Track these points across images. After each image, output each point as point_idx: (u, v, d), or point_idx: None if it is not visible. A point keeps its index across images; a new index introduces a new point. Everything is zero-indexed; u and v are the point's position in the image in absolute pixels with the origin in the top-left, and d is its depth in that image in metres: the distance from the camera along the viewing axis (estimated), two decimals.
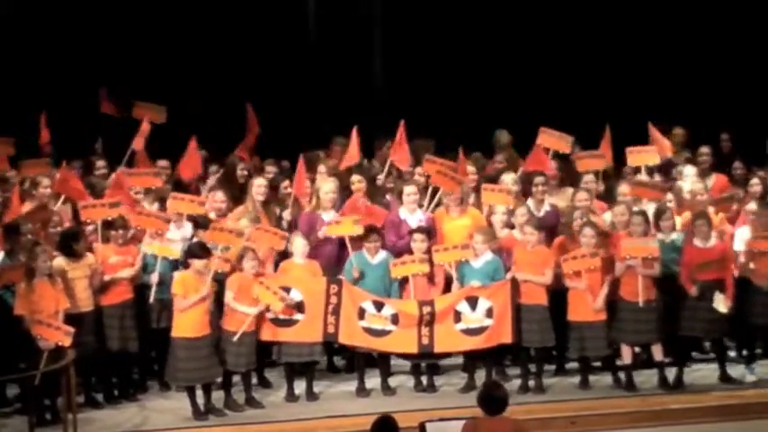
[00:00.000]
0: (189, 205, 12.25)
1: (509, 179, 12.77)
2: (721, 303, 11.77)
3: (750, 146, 14.63)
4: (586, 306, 11.80)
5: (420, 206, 12.56)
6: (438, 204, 12.69)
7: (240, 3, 15.88)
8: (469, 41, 16.31)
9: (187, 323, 11.34)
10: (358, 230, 11.98)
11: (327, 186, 12.49)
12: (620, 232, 12.11)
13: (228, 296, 11.52)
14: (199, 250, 11.53)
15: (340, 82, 15.99)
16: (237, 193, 12.99)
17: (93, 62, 15.30)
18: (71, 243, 11.58)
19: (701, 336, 12.18)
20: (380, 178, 13.38)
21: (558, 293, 11.97)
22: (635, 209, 12.29)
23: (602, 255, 11.81)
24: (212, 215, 12.38)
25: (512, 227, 12.30)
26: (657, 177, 13.32)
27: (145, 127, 13.78)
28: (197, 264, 11.42)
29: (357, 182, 12.74)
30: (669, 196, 12.72)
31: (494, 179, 13.00)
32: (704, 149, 14.05)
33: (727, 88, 16.18)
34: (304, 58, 16.06)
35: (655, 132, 13.79)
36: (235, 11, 15.88)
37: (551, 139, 13.29)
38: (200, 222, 12.14)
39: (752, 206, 12.58)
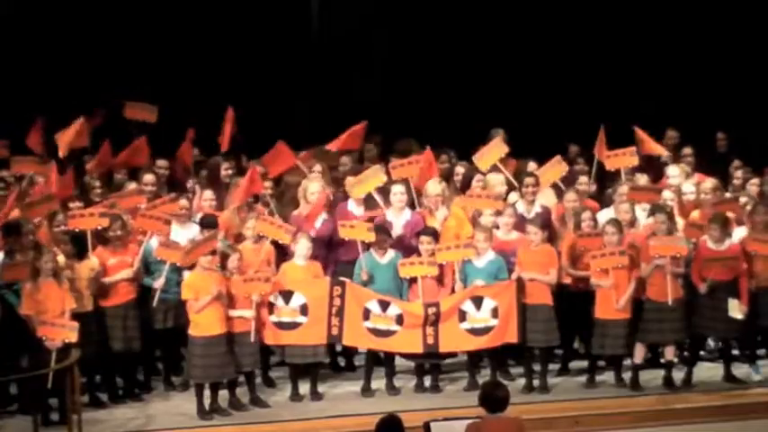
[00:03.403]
0: (171, 206, 12.20)
1: (496, 180, 12.81)
2: (736, 309, 11.78)
3: (746, 146, 14.66)
4: (611, 304, 11.79)
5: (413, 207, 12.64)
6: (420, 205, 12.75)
7: (239, 4, 15.90)
8: (466, 42, 16.34)
9: (204, 322, 11.33)
10: (370, 237, 11.95)
11: (314, 187, 12.46)
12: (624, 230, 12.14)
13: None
14: None
15: (340, 82, 16.01)
16: (224, 194, 12.97)
17: (92, 62, 15.27)
18: (79, 246, 11.57)
19: (708, 335, 12.20)
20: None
21: (562, 293, 11.99)
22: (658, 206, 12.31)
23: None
24: (199, 215, 12.42)
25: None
26: (645, 178, 13.33)
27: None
28: (203, 261, 11.40)
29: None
30: (669, 195, 12.75)
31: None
32: (687, 150, 14.13)
33: (724, 88, 16.21)
34: (305, 59, 16.06)
35: (641, 134, 13.79)
36: (234, 11, 15.89)
37: (489, 156, 13.27)
38: (205, 222, 12.10)
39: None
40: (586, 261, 11.93)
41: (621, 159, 13.24)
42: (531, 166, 13.26)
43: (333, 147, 13.71)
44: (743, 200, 12.76)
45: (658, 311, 11.80)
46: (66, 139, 13.40)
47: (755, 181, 13.31)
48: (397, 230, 12.30)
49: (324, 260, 12.26)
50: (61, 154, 13.32)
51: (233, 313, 11.47)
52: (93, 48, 15.26)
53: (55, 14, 15.26)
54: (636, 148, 13.46)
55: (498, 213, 12.30)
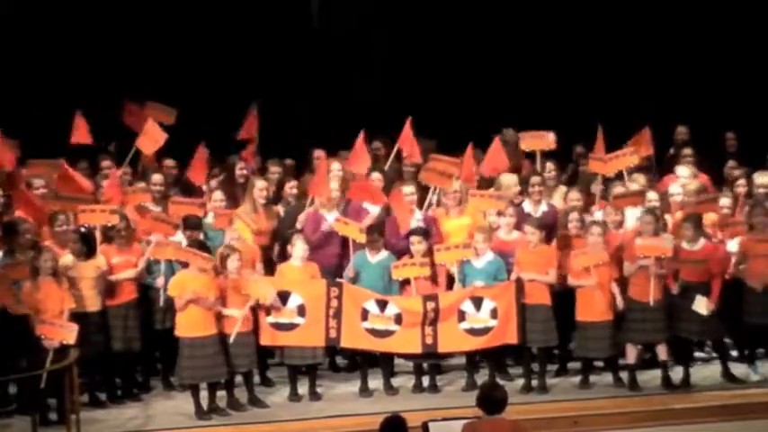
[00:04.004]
0: (189, 208, 12.27)
1: (510, 180, 12.79)
2: (702, 305, 11.77)
3: (752, 146, 14.67)
4: (594, 305, 11.78)
5: (429, 205, 12.64)
6: (438, 204, 12.74)
7: (240, 4, 15.90)
8: (466, 42, 16.34)
9: (188, 322, 11.34)
10: (361, 238, 11.96)
11: (332, 185, 12.47)
12: (611, 231, 12.15)
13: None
14: (197, 248, 11.50)
15: (340, 82, 16.01)
16: (239, 193, 12.99)
17: (92, 62, 15.29)
18: (87, 245, 11.59)
19: (683, 336, 12.11)
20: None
21: (561, 293, 11.97)
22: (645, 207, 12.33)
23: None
24: (210, 216, 12.40)
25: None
26: (642, 178, 13.31)
27: (150, 129, 13.64)
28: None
29: (377, 180, 12.71)
30: (654, 195, 12.73)
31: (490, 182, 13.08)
32: (687, 150, 14.12)
33: (725, 87, 16.21)
34: (306, 57, 16.07)
35: (645, 134, 13.83)
36: (233, 11, 15.90)
37: (534, 141, 13.34)
38: (189, 223, 12.11)
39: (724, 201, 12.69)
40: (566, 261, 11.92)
41: (622, 161, 13.23)
42: (549, 166, 13.27)
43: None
44: (724, 201, 12.74)
45: (642, 311, 11.79)
46: (151, 143, 13.51)
47: (742, 182, 13.26)
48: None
49: (340, 258, 12.30)
50: (148, 153, 13.52)
51: (225, 312, 11.47)
52: (94, 48, 15.26)
53: (56, 15, 15.27)
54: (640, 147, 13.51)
55: (500, 213, 12.30)
